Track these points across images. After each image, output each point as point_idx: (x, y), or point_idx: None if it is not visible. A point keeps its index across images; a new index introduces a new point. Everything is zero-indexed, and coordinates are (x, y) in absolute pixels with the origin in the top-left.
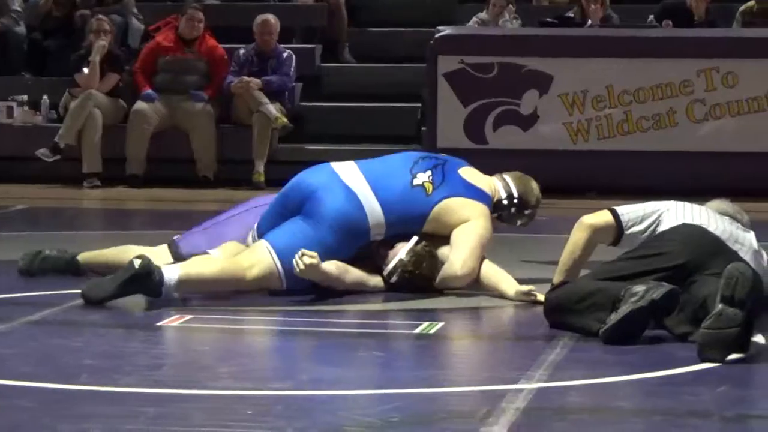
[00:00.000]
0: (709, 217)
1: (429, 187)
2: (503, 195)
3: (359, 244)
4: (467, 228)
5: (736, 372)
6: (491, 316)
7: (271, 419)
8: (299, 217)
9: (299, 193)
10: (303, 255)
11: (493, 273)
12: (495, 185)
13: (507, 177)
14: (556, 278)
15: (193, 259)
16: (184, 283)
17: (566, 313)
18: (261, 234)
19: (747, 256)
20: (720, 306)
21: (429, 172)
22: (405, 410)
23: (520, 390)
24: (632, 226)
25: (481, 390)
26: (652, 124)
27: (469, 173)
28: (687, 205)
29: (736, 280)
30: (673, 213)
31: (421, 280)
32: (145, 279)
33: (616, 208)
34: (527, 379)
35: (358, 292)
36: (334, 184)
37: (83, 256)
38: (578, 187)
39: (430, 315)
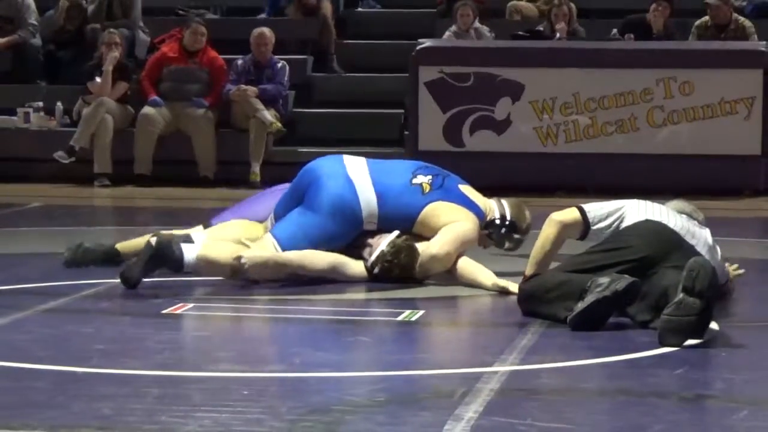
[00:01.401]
0: (668, 214)
1: (426, 188)
2: (497, 215)
3: (355, 232)
4: (452, 224)
5: (693, 356)
6: (468, 304)
7: (266, 399)
8: (302, 205)
9: (307, 177)
10: (239, 257)
11: (471, 266)
12: (491, 205)
13: (504, 201)
14: (528, 270)
15: (212, 242)
16: (200, 262)
17: (537, 302)
18: (277, 215)
19: (703, 251)
20: (681, 295)
21: (430, 177)
22: (390, 391)
23: (495, 372)
24: (598, 222)
25: (459, 372)
26: (616, 129)
27: (468, 189)
28: (648, 203)
29: (697, 272)
30: (635, 210)
31: (400, 270)
32: (165, 255)
33: (583, 205)
34: (501, 362)
35: (339, 280)
36: (338, 173)
37: (121, 246)
38: (548, 186)
39: (412, 303)
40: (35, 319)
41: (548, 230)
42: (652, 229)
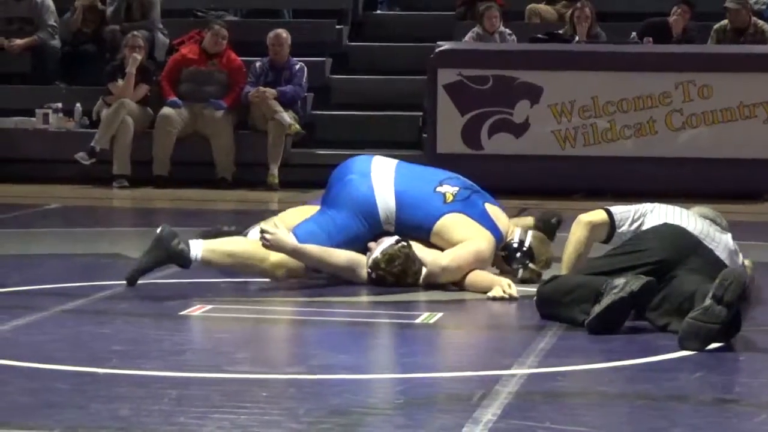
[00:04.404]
0: (689, 218)
1: (449, 197)
2: (516, 239)
3: (374, 232)
4: (469, 241)
5: (711, 360)
6: (487, 307)
7: (285, 401)
8: (325, 204)
9: (336, 175)
10: (264, 231)
11: (480, 275)
12: (513, 229)
13: (530, 231)
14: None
15: (222, 243)
16: (207, 260)
17: (555, 305)
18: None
19: (723, 255)
20: (709, 302)
21: (457, 188)
22: (408, 393)
23: (513, 375)
24: (623, 225)
25: (477, 375)
26: (634, 132)
27: (493, 209)
28: (671, 207)
29: (730, 282)
30: (656, 214)
31: (394, 278)
32: (168, 245)
33: (609, 208)
34: (519, 365)
35: (355, 281)
36: (362, 172)
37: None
38: (566, 189)
39: (430, 306)
40: (54, 319)
41: (578, 232)
42: (670, 232)
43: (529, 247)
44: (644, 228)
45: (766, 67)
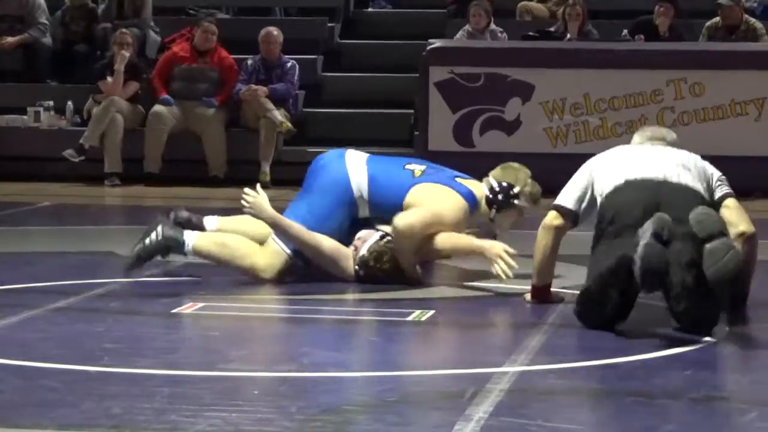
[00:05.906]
0: (643, 161)
1: (418, 173)
2: (486, 190)
3: (350, 213)
4: (429, 203)
5: (703, 357)
6: (478, 305)
7: (276, 399)
8: (302, 192)
9: (312, 166)
10: (246, 194)
11: (449, 236)
12: (482, 187)
13: (487, 178)
14: (535, 280)
15: (216, 234)
16: (198, 251)
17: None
18: None
19: (688, 179)
20: (706, 247)
21: (424, 166)
22: (400, 391)
23: (505, 373)
24: (579, 203)
25: (469, 372)
26: (626, 130)
27: (465, 180)
28: (613, 153)
29: (703, 220)
30: (601, 167)
31: (384, 274)
32: (164, 230)
33: (557, 201)
34: (511, 362)
35: (336, 274)
36: (336, 161)
37: None
38: (557, 187)
39: (421, 303)
40: (46, 317)
41: (545, 239)
42: (633, 197)
43: (498, 182)
44: (597, 186)
45: (757, 65)
